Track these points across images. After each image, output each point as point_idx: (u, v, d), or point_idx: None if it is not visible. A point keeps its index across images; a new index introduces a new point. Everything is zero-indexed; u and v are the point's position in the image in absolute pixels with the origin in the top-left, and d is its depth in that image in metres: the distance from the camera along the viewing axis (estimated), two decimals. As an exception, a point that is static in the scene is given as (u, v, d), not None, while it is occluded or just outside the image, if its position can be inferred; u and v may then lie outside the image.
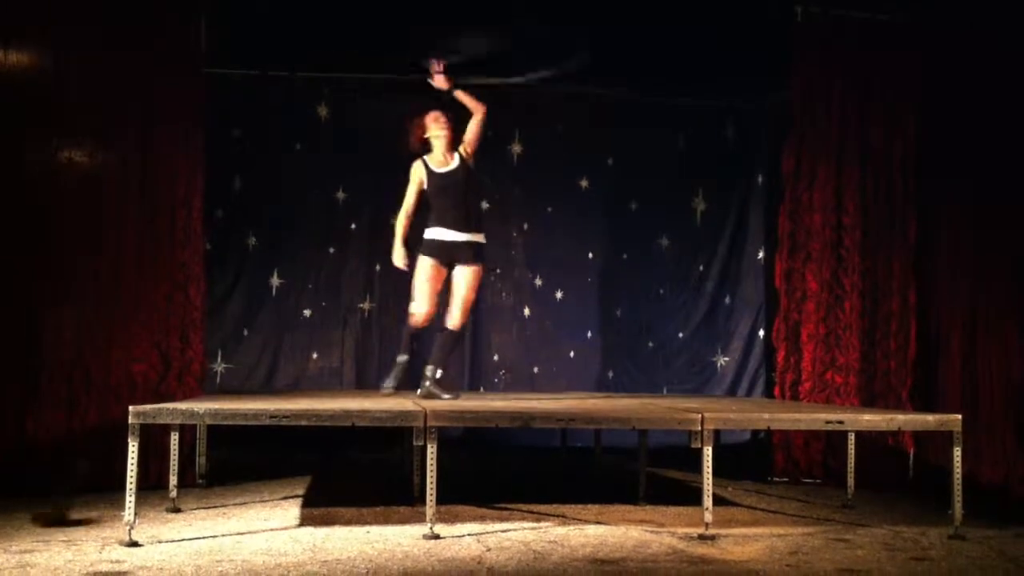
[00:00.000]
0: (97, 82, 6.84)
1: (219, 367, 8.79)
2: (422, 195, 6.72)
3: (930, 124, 7.67)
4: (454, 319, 6.68)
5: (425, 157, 6.73)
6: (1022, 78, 7.10)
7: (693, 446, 5.30)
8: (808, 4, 7.68)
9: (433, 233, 6.64)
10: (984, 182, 7.37)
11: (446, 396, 6.44)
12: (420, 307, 6.62)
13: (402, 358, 6.73)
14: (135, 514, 4.97)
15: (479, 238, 6.70)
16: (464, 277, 6.64)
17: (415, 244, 6.73)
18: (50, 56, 6.82)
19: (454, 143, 6.71)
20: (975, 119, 7.42)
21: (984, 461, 7.03)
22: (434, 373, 6.55)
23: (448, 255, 6.63)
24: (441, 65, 6.68)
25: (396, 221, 6.78)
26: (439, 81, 6.64)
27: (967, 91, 7.46)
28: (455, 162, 6.69)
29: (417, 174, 6.73)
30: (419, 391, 6.53)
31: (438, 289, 6.67)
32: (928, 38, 7.66)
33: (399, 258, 6.77)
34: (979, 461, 7.02)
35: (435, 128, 6.69)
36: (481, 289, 8.85)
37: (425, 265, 6.64)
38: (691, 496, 6.14)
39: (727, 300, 9.66)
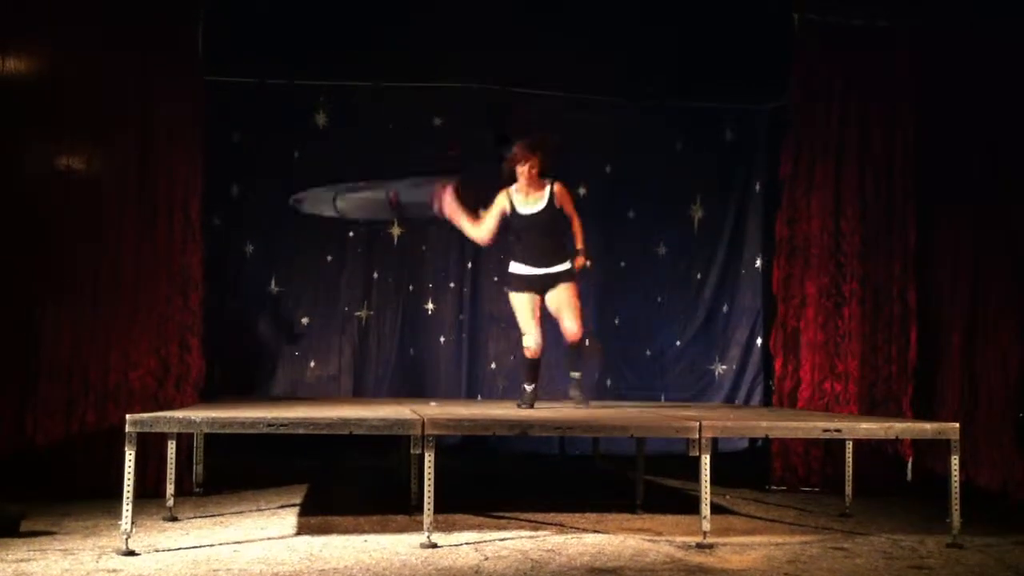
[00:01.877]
0: (97, 88, 6.85)
1: (216, 373, 8.76)
2: (501, 220, 6.69)
3: (929, 128, 7.68)
4: (572, 330, 6.69)
5: (512, 189, 6.66)
6: (1020, 81, 7.12)
7: (691, 454, 5.29)
8: (806, 11, 7.69)
9: (518, 268, 6.72)
10: (983, 186, 7.40)
11: (524, 406, 6.62)
12: (532, 340, 6.66)
13: (530, 387, 6.73)
14: (132, 522, 4.95)
15: (565, 267, 6.72)
16: (559, 293, 6.67)
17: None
18: (50, 61, 6.83)
19: (540, 176, 6.61)
20: (974, 123, 7.44)
21: (983, 466, 7.04)
22: (579, 378, 6.82)
23: (537, 286, 6.68)
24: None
25: (465, 228, 6.84)
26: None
27: (965, 96, 7.48)
28: (542, 203, 6.62)
29: (500, 204, 6.68)
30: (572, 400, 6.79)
31: (539, 316, 6.71)
32: (925, 43, 7.67)
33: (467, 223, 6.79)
34: (978, 466, 7.03)
35: (519, 167, 6.58)
36: (479, 298, 8.91)
37: (521, 300, 6.70)
38: (689, 504, 6.13)
39: (725, 307, 9.65)
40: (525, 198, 6.63)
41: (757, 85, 9.00)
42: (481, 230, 6.77)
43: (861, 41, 7.73)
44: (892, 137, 7.71)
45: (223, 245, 8.78)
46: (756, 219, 9.50)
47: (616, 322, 9.61)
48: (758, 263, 9.44)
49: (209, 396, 7.45)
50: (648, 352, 9.66)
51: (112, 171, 6.88)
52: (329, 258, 9.15)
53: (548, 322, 6.80)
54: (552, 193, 6.63)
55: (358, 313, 9.15)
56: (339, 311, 9.14)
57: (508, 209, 6.66)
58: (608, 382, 9.54)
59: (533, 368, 6.75)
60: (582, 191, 9.51)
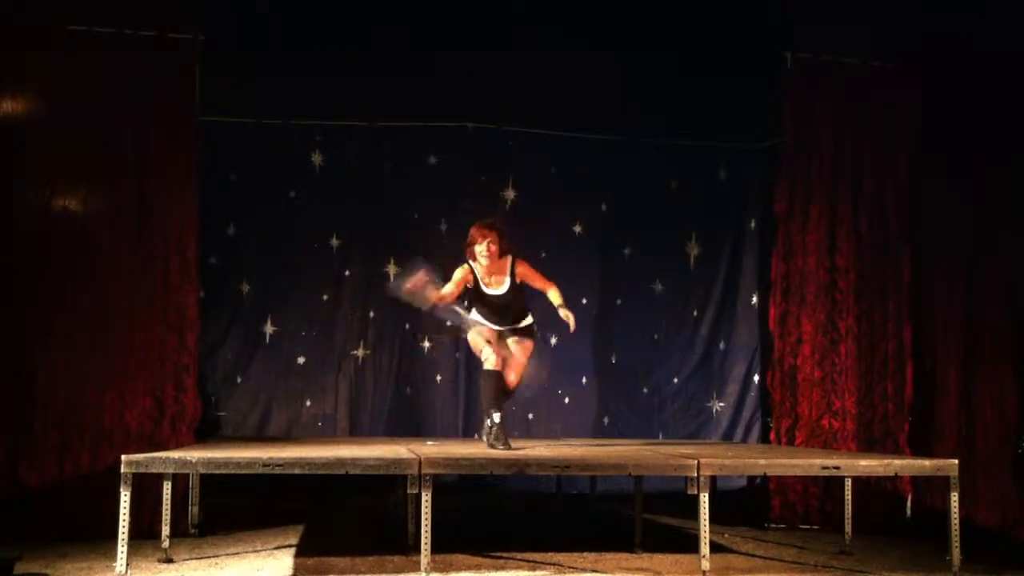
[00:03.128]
0: (93, 129, 6.88)
1: (213, 414, 8.74)
2: (461, 290, 6.44)
3: (923, 165, 7.72)
4: (509, 377, 6.50)
5: (474, 265, 6.45)
6: (1012, 117, 7.18)
7: (689, 492, 5.27)
8: (799, 50, 7.75)
9: (479, 318, 6.55)
10: (978, 222, 7.42)
11: (501, 447, 6.11)
12: (492, 353, 6.34)
13: (498, 415, 6.26)
14: (127, 564, 4.91)
15: (527, 322, 6.62)
16: (514, 347, 6.54)
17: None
18: (45, 102, 6.86)
19: (500, 254, 6.41)
20: (968, 159, 7.49)
21: (981, 504, 7.01)
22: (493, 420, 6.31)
23: (498, 333, 6.54)
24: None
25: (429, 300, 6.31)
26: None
27: (958, 132, 7.54)
28: (505, 284, 6.45)
29: (463, 275, 6.42)
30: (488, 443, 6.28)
31: (497, 340, 6.49)
32: (918, 81, 7.73)
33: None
34: (976, 504, 7.00)
35: (478, 247, 6.37)
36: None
37: (480, 328, 6.51)
38: (688, 543, 6.09)
39: (722, 344, 9.65)
40: (488, 277, 6.46)
41: (751, 124, 9.06)
42: (440, 293, 6.29)
43: (854, 79, 7.79)
44: (886, 174, 7.75)
45: (219, 284, 8.79)
46: (752, 256, 9.52)
47: (613, 359, 9.60)
48: (754, 300, 9.45)
49: (205, 436, 7.42)
50: (645, 390, 9.65)
51: (108, 212, 6.89)
52: (325, 297, 9.15)
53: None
54: (513, 273, 6.46)
55: (354, 352, 9.13)
56: (335, 350, 9.13)
57: (471, 283, 6.45)
58: (605, 420, 9.52)
59: (497, 383, 6.36)
60: (578, 229, 9.55)
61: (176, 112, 7.07)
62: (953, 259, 7.58)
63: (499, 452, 5.90)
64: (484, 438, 6.42)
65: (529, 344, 6.62)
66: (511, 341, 6.58)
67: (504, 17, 8.34)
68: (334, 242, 9.15)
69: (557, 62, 8.48)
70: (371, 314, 9.12)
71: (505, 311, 6.54)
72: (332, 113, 8.96)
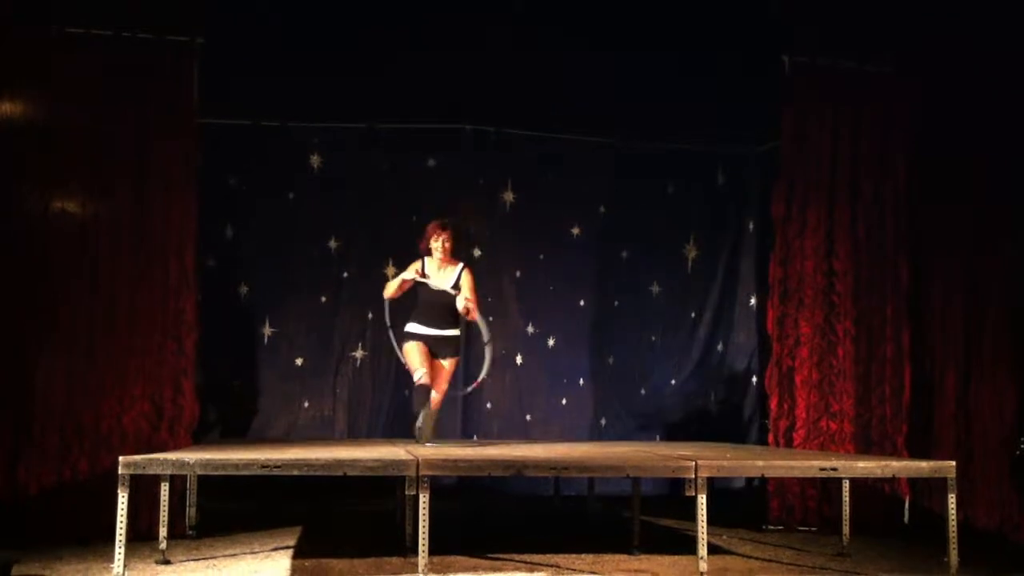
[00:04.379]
0: (91, 132, 6.88)
1: (210, 416, 8.73)
2: (410, 283, 7.03)
3: (920, 169, 7.74)
4: (435, 398, 6.95)
5: (427, 260, 7.09)
6: (1011, 119, 7.19)
7: (687, 494, 5.28)
8: (796, 53, 7.76)
9: (414, 328, 7.01)
10: (976, 225, 7.43)
11: (429, 444, 6.73)
12: (422, 372, 6.80)
13: (426, 411, 6.84)
14: (124, 566, 4.91)
15: (455, 332, 7.09)
16: (443, 368, 7.03)
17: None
18: (43, 105, 6.86)
19: (453, 254, 7.08)
20: (965, 163, 7.50)
21: (979, 506, 7.02)
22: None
23: (430, 344, 6.98)
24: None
25: (387, 285, 7.18)
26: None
27: (957, 135, 7.55)
28: (450, 280, 7.02)
29: (414, 268, 7.08)
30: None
31: (430, 360, 6.94)
32: (914, 82, 7.74)
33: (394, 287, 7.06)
34: (974, 506, 7.01)
35: (433, 242, 7.04)
36: (473, 338, 8.90)
37: (413, 346, 6.96)
38: (685, 544, 6.09)
39: (720, 347, 9.65)
40: (437, 271, 7.04)
41: (748, 127, 9.07)
42: (389, 287, 7.11)
43: (851, 83, 7.80)
44: (884, 178, 7.77)
45: (217, 286, 8.76)
46: (750, 258, 9.52)
47: (611, 361, 9.60)
48: (752, 302, 9.46)
49: (202, 439, 7.42)
50: (643, 391, 9.64)
51: (106, 216, 6.90)
52: (323, 299, 9.14)
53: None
54: (460, 277, 7.02)
55: (353, 354, 9.12)
56: (334, 352, 9.11)
57: (420, 275, 7.01)
58: (603, 422, 9.52)
59: (426, 393, 6.83)
60: (576, 231, 9.55)
61: (174, 115, 7.08)
62: (951, 262, 7.59)
63: (496, 453, 5.96)
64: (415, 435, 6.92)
65: (455, 362, 7.16)
66: (439, 359, 7.01)
67: (503, 19, 8.36)
68: (332, 244, 9.14)
69: (556, 64, 8.50)
70: (369, 316, 9.10)
71: (442, 308, 6.97)
72: (330, 115, 8.95)
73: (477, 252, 8.70)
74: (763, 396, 8.40)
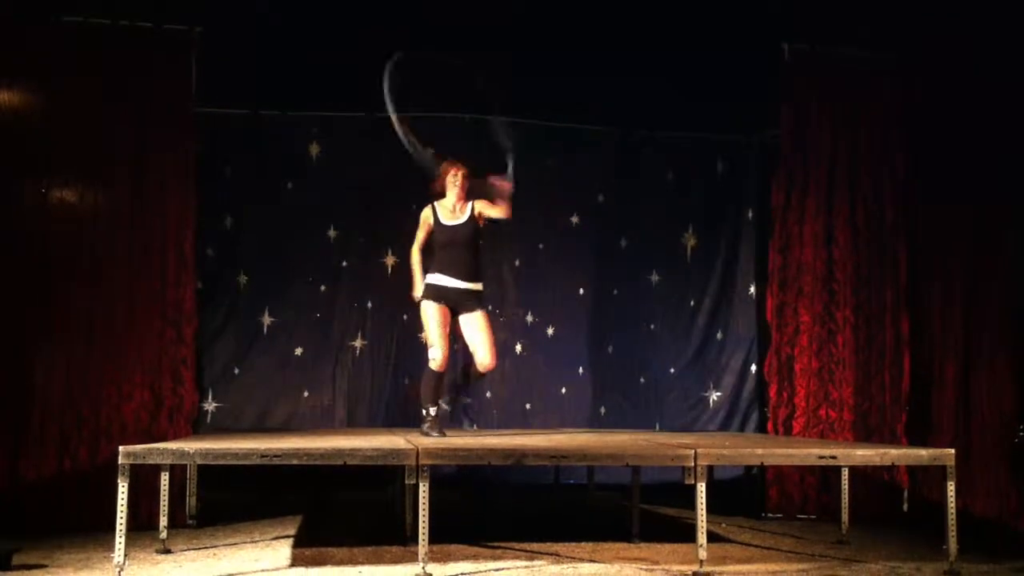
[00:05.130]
0: (88, 122, 6.88)
1: (210, 406, 8.74)
2: (430, 236, 6.82)
3: (920, 157, 7.72)
4: (485, 360, 6.68)
5: (436, 204, 6.83)
6: (1009, 110, 7.17)
7: (686, 482, 5.28)
8: (796, 41, 7.75)
9: (434, 279, 6.70)
10: (975, 213, 7.42)
11: (435, 435, 6.44)
12: (439, 352, 6.57)
13: (434, 409, 6.60)
14: (125, 555, 4.92)
15: (478, 287, 6.77)
16: (475, 321, 6.68)
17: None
18: (41, 94, 6.85)
19: (468, 195, 6.82)
20: (965, 151, 7.48)
21: (978, 494, 7.02)
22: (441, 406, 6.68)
23: (451, 300, 6.68)
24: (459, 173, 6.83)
25: (411, 257, 6.91)
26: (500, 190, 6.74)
27: (956, 122, 7.52)
28: (464, 216, 6.77)
29: (426, 219, 6.84)
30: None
31: (448, 332, 6.70)
32: (915, 73, 7.73)
33: (418, 291, 6.80)
34: (973, 494, 7.01)
35: (451, 177, 6.81)
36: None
37: (432, 309, 6.66)
38: (685, 533, 6.10)
39: (719, 335, 9.64)
40: (451, 211, 6.79)
41: (748, 116, 9.04)
42: (416, 247, 6.87)
43: (851, 71, 7.80)
44: (883, 166, 7.76)
45: (217, 276, 8.77)
46: (749, 247, 9.51)
47: (610, 350, 9.60)
48: (752, 290, 9.45)
49: (202, 428, 7.42)
50: (642, 380, 9.64)
51: (105, 206, 6.90)
52: (323, 288, 9.13)
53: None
54: (473, 207, 6.78)
55: (352, 343, 9.12)
56: (333, 341, 9.11)
57: (432, 222, 6.79)
58: (602, 411, 9.52)
59: (439, 383, 6.65)
60: (575, 220, 9.54)
61: (173, 104, 7.08)
62: (951, 249, 7.58)
63: (496, 442, 5.95)
64: (421, 427, 6.62)
65: (485, 314, 6.75)
66: (466, 320, 6.67)
67: (501, 9, 8.33)
68: (332, 234, 9.13)
69: (553, 53, 8.47)
70: (369, 305, 9.10)
71: (463, 251, 6.70)
72: (329, 104, 8.93)
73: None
74: (762, 385, 8.41)
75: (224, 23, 7.32)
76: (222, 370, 8.85)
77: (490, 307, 8.78)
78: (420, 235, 6.86)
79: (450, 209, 6.79)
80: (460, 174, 6.80)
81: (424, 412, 6.59)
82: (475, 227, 6.77)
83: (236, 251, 8.96)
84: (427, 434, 6.43)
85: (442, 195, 6.84)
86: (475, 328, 6.67)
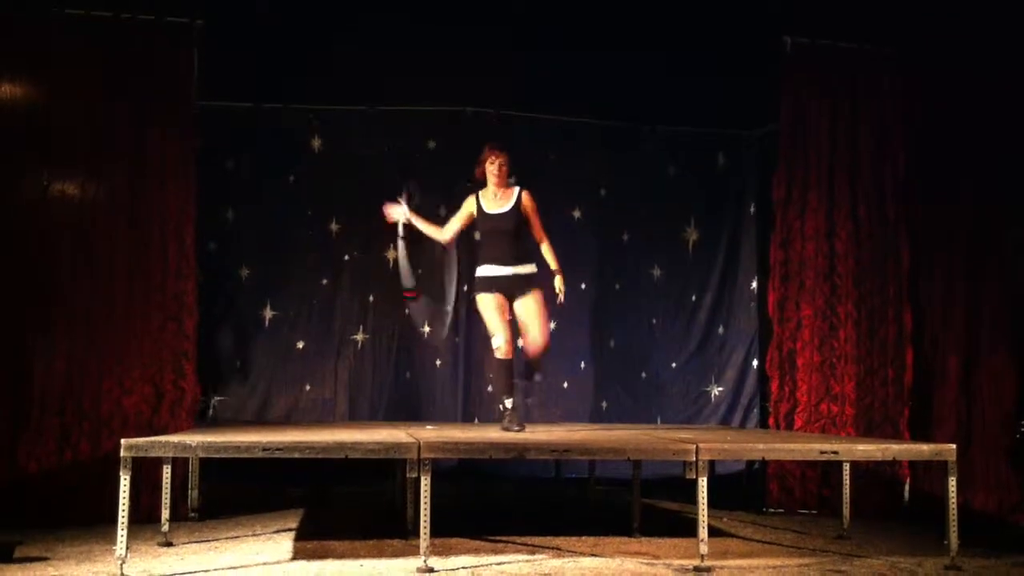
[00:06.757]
0: (89, 114, 6.88)
1: (212, 399, 8.75)
2: (468, 225, 6.85)
3: (921, 150, 7.71)
4: (537, 339, 6.64)
5: (480, 193, 6.83)
6: (1011, 105, 7.16)
7: (688, 477, 5.28)
8: (797, 34, 7.74)
9: (484, 271, 6.73)
10: (977, 207, 7.41)
11: (516, 428, 6.47)
12: (502, 339, 6.58)
13: (510, 401, 6.61)
14: (127, 548, 4.92)
15: (531, 269, 6.76)
16: (528, 303, 6.65)
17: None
18: (42, 87, 6.84)
19: (508, 181, 6.81)
20: (967, 144, 7.48)
21: (979, 489, 7.03)
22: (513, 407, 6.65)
23: (504, 288, 6.68)
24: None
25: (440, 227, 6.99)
26: None
27: (957, 116, 7.52)
28: (508, 204, 6.74)
29: (468, 207, 6.84)
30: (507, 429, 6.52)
31: (507, 319, 6.68)
32: (916, 67, 7.72)
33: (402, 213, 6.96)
34: (974, 489, 7.01)
35: (489, 165, 6.76)
36: (474, 320, 8.89)
37: (488, 300, 6.67)
38: (686, 527, 6.10)
39: (720, 330, 9.64)
40: (493, 199, 6.76)
41: (749, 109, 9.03)
42: (445, 231, 6.93)
43: (852, 64, 7.79)
44: (884, 159, 7.76)
45: (218, 269, 8.76)
46: (750, 241, 9.51)
47: (611, 344, 9.60)
48: (753, 285, 9.45)
49: (203, 421, 7.41)
50: (643, 374, 9.65)
51: (106, 198, 6.90)
52: (324, 281, 9.13)
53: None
54: (519, 198, 6.74)
55: (354, 337, 9.12)
56: (334, 335, 9.11)
57: (475, 211, 6.78)
58: (604, 405, 9.53)
59: (508, 372, 6.65)
60: (576, 214, 9.54)
61: (174, 97, 7.08)
62: (953, 244, 7.57)
63: (498, 436, 5.95)
64: (501, 423, 6.66)
65: (539, 294, 6.68)
66: (520, 303, 6.64)
67: (503, 3, 8.33)
68: (333, 227, 9.12)
69: (555, 47, 8.46)
70: (370, 299, 9.10)
71: (509, 239, 6.67)
72: (331, 97, 8.93)
73: (477, 236, 8.66)
74: (764, 379, 8.41)
75: (225, 16, 7.32)
76: (223, 363, 8.85)
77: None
78: (454, 221, 6.87)
79: (492, 197, 6.77)
80: (498, 161, 6.74)
81: (501, 407, 6.64)
82: (518, 216, 6.72)
83: (237, 244, 8.96)
84: (507, 428, 6.45)
85: (483, 184, 6.82)
86: (526, 309, 6.64)
